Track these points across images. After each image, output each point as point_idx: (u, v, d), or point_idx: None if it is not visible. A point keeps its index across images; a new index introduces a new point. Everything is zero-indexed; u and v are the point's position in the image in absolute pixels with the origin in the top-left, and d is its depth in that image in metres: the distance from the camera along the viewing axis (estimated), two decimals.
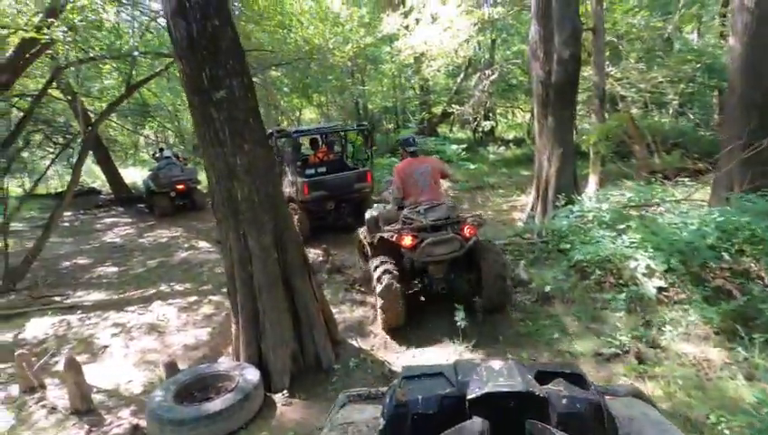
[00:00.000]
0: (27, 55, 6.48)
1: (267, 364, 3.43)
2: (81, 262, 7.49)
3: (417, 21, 9.91)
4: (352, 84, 14.91)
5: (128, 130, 15.11)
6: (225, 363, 3.52)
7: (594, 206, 4.61)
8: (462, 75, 16.27)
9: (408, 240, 3.73)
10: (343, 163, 8.02)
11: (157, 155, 12.22)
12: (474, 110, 10.50)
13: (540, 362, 1.06)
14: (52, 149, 16.33)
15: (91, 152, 14.99)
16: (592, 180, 7.06)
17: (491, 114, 17.38)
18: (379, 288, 3.79)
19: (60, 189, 17.30)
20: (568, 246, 4.29)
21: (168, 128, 16.49)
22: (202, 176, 17.01)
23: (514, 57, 12.87)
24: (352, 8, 12.47)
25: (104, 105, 14.58)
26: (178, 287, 5.82)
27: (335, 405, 1.09)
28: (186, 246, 8.02)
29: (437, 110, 18.47)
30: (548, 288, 4.16)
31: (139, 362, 3.97)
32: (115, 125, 14.47)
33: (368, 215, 4.69)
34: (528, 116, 21.11)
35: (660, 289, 3.69)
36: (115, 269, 6.91)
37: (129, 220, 11.07)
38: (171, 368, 3.34)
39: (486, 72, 9.10)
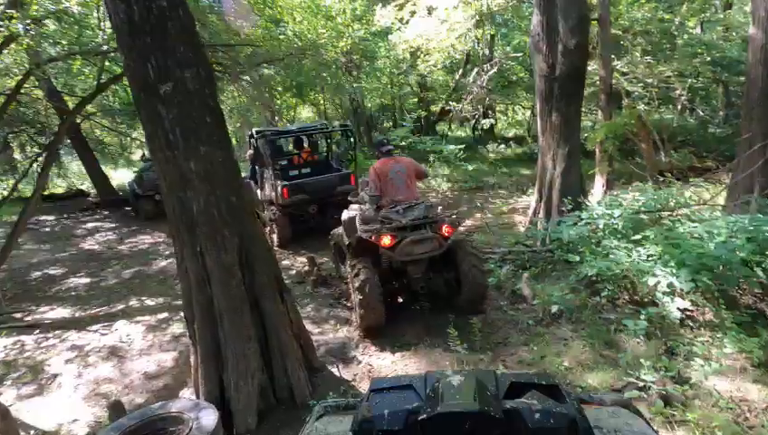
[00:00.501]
0: None
1: (230, 401, 2.95)
2: (52, 272, 7.01)
3: (413, 13, 9.42)
4: (347, 82, 14.42)
5: (111, 130, 14.58)
6: (180, 402, 3.03)
7: (605, 212, 4.12)
8: (460, 71, 15.81)
9: (387, 240, 3.71)
10: (328, 165, 7.77)
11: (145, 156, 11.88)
12: (472, 107, 10.02)
13: (514, 373, 0.99)
14: (38, 151, 15.90)
15: (77, 154, 14.55)
16: (599, 181, 6.58)
17: (490, 112, 16.91)
18: (357, 286, 3.75)
19: (49, 192, 16.86)
20: (576, 258, 3.82)
21: None
22: None
23: (514, 52, 12.42)
24: (344, 0, 11.98)
25: (90, 105, 14.18)
26: (150, 302, 5.34)
27: (311, 416, 1.07)
28: (166, 253, 7.53)
29: (436, 107, 18.00)
30: (555, 308, 3.68)
31: (89, 396, 3.50)
32: (102, 125, 13.91)
33: (344, 216, 4.62)
34: (528, 113, 20.75)
35: (684, 310, 3.21)
36: (87, 280, 6.43)
37: (112, 225, 10.59)
38: (116, 409, 2.87)
39: (485, 66, 8.59)
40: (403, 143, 7.75)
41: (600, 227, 4.13)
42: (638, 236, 3.70)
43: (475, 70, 8.52)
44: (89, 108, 14.36)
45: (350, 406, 1.04)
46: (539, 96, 6.15)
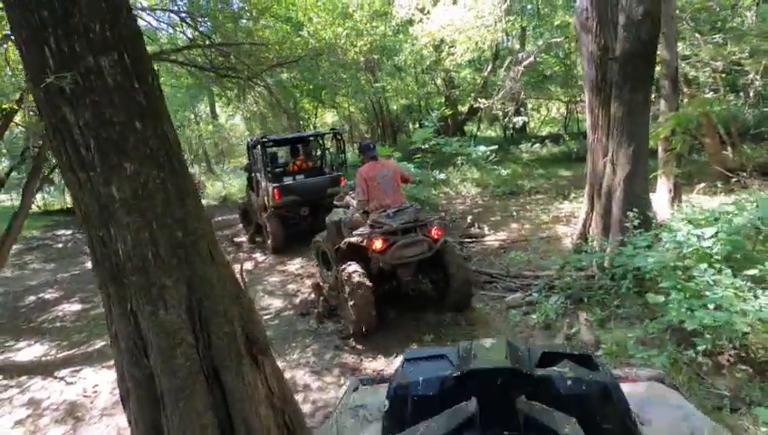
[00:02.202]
0: None
1: None
2: (47, 297, 6.50)
3: (435, 2, 8.48)
4: (367, 82, 13.62)
5: None
6: None
7: (693, 232, 3.06)
8: (489, 67, 14.70)
9: (378, 244, 3.78)
10: (321, 170, 7.91)
11: None
12: (503, 104, 8.96)
13: (547, 344, 1.07)
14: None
15: None
16: (663, 186, 5.44)
17: (522, 109, 15.72)
18: (349, 290, 3.77)
19: (69, 206, 16.89)
20: (660, 298, 2.78)
21: None
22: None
23: (546, 47, 11.22)
24: None
25: None
26: None
27: (347, 389, 1.19)
28: None
29: (463, 106, 16.92)
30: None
31: None
32: None
33: (329, 220, 4.70)
34: (563, 110, 19.34)
35: None
36: (78, 308, 5.85)
37: None
38: None
39: (520, 55, 7.52)
40: (425, 146, 6.81)
41: (687, 252, 3.07)
42: (753, 271, 2.63)
43: (507, 62, 7.47)
44: None
45: (384, 379, 1.08)
46: (588, 84, 5.10)
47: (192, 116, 21.76)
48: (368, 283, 3.79)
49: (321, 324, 4.37)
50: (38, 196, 18.17)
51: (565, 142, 15.25)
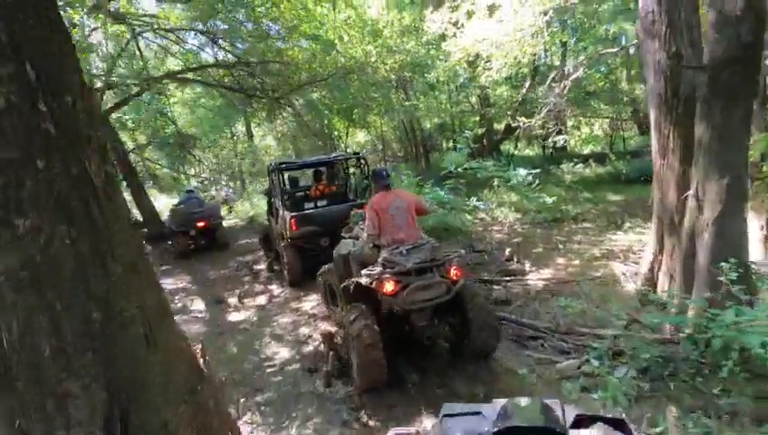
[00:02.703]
0: None
1: None
2: None
3: (470, 15, 7.84)
4: (399, 102, 13.10)
5: (151, 162, 14.35)
6: None
7: None
8: (527, 84, 13.87)
9: (389, 286, 3.34)
10: (344, 196, 7.39)
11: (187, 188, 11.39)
12: (546, 122, 8.12)
13: (580, 406, 0.88)
14: None
15: (125, 184, 14.53)
16: (753, 224, 4.43)
17: (562, 127, 14.71)
18: (354, 335, 3.36)
19: None
20: None
21: (200, 161, 15.63)
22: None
23: (590, 62, 10.26)
24: (392, 13, 10.75)
25: (141, 137, 14.15)
26: None
27: None
28: (178, 305, 6.45)
29: (499, 125, 16.10)
30: None
31: None
32: (143, 157, 13.74)
33: (336, 252, 4.25)
34: (606, 127, 18.09)
35: None
36: None
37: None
38: None
39: (566, 69, 6.69)
40: (459, 170, 6.07)
41: None
42: None
43: (551, 77, 6.69)
44: (141, 139, 14.44)
45: (418, 434, 1.03)
46: (654, 100, 4.24)
47: (229, 135, 22.03)
48: (375, 328, 3.36)
49: (329, 388, 3.66)
50: None
51: (611, 162, 14.07)
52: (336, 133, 18.99)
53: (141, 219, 14.23)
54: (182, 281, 7.94)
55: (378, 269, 3.44)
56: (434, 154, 20.79)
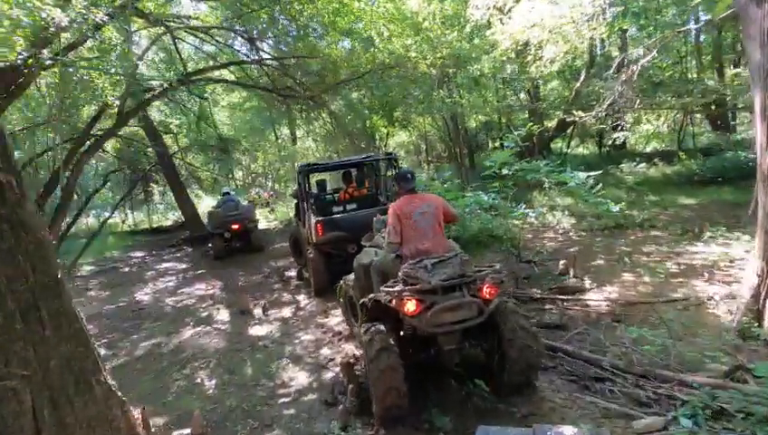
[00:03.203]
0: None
1: None
2: None
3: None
4: (440, 98, 12.38)
5: (191, 165, 14.50)
6: None
7: None
8: (583, 76, 12.69)
9: (411, 306, 2.87)
10: (376, 200, 7.02)
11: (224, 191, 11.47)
12: (607, 115, 7.13)
13: None
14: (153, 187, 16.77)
15: (168, 188, 14.81)
16: None
17: (623, 123, 13.35)
18: (371, 357, 2.95)
19: (156, 225, 17.77)
20: None
21: (239, 163, 15.68)
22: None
23: (657, 48, 8.97)
24: (432, 3, 10.08)
25: (185, 141, 14.38)
26: None
27: None
28: (203, 315, 6.18)
29: (550, 121, 14.94)
30: None
31: None
32: (183, 160, 13.90)
33: (357, 262, 3.91)
34: (671, 122, 16.31)
35: None
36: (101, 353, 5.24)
37: (183, 266, 9.92)
38: None
39: (635, 53, 5.67)
40: (505, 171, 5.33)
41: None
42: None
43: (615, 65, 5.68)
44: (184, 141, 14.68)
45: None
46: (759, 78, 3.33)
47: (273, 138, 22.22)
48: (395, 350, 2.96)
49: (346, 430, 3.09)
50: (129, 214, 19.53)
51: (681, 161, 12.60)
52: (377, 134, 18.55)
53: (182, 222, 14.52)
54: (213, 287, 7.74)
55: (398, 286, 3.02)
56: (479, 154, 19.83)
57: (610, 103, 5.74)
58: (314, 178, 7.54)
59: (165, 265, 10.32)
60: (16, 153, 9.63)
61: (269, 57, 9.12)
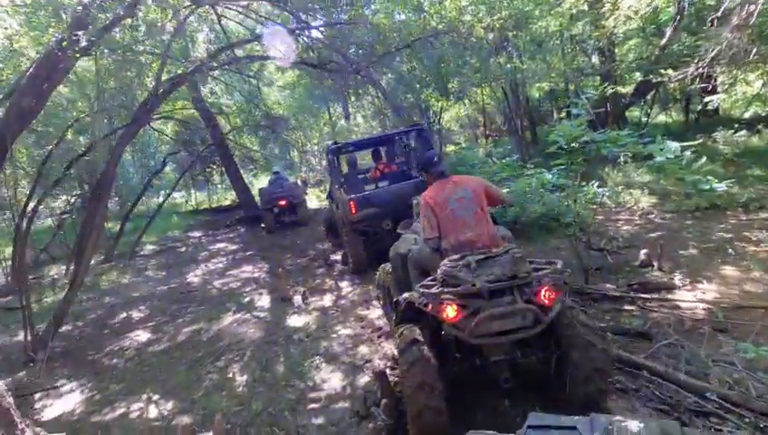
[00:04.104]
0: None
1: None
2: (134, 315, 6.20)
3: None
4: (497, 66, 11.27)
5: (243, 147, 14.60)
6: None
7: None
8: (670, 30, 10.90)
9: (451, 312, 2.42)
10: (408, 174, 6.89)
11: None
12: (703, 74, 5.86)
13: (705, 429, 0.93)
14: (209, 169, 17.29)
15: (224, 169, 15.08)
16: None
17: (715, 84, 11.42)
18: (404, 369, 2.53)
19: (216, 204, 18.41)
20: None
21: (289, 143, 15.58)
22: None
23: None
24: None
25: (237, 121, 14.50)
26: (150, 410, 3.62)
27: None
28: (245, 300, 6.04)
29: (626, 87, 13.19)
30: None
31: None
32: (236, 142, 14.00)
33: (393, 251, 3.58)
34: None
35: None
36: (145, 338, 5.27)
37: (234, 247, 10.02)
38: None
39: (725, 5, 4.36)
40: (574, 145, 4.48)
41: None
42: None
43: (724, 5, 4.42)
44: (237, 121, 14.82)
45: None
46: None
47: (327, 116, 22.03)
48: (433, 362, 2.51)
49: None
50: (193, 193, 20.43)
51: None
52: (431, 108, 17.64)
53: (238, 202, 14.81)
54: (259, 270, 7.64)
55: (436, 286, 2.58)
56: (542, 127, 18.24)
57: (714, 57, 4.60)
58: (344, 157, 7.55)
59: (218, 245, 10.52)
60: (81, 138, 10.11)
61: (314, 27, 8.64)
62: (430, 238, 2.98)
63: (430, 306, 2.55)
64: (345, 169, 7.24)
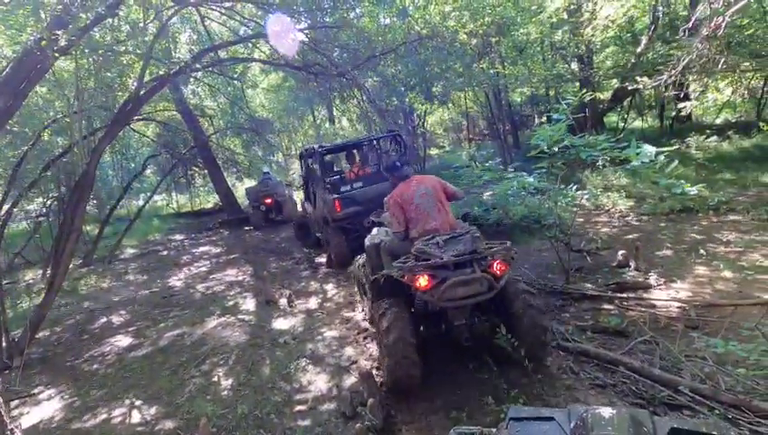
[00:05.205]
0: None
1: None
2: (115, 320, 6.08)
3: None
4: (480, 71, 11.47)
5: (225, 149, 14.47)
6: None
7: None
8: (645, 39, 11.28)
9: (423, 281, 2.95)
10: (381, 176, 7.08)
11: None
12: (677, 80, 6.09)
13: (676, 418, 1.01)
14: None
15: (207, 172, 14.90)
16: None
17: (688, 91, 11.86)
18: (384, 330, 3.07)
19: (198, 207, 18.15)
20: None
21: (273, 146, 15.50)
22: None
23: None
24: None
25: (220, 123, 14.34)
26: (134, 415, 3.57)
27: None
28: (229, 304, 5.99)
29: (604, 94, 13.56)
30: None
31: None
32: (219, 144, 13.86)
33: (367, 241, 3.98)
34: (743, 89, 14.35)
35: None
36: (127, 343, 5.17)
37: (218, 250, 9.91)
38: None
39: (697, 16, 4.57)
40: (555, 149, 4.62)
41: None
42: None
43: (693, 19, 4.63)
44: (221, 124, 14.66)
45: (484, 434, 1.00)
46: None
47: (312, 118, 21.92)
48: (408, 323, 3.10)
49: None
50: (174, 196, 20.08)
51: (761, 133, 11.10)
52: (415, 112, 17.77)
53: (221, 205, 14.64)
54: (243, 273, 7.58)
55: (411, 262, 3.07)
56: (523, 131, 18.58)
57: (686, 65, 4.81)
58: (320, 161, 7.85)
59: (201, 248, 10.38)
60: (58, 139, 9.86)
61: (298, 29, 8.64)
62: (397, 232, 3.53)
63: (406, 277, 2.99)
64: (319, 172, 7.50)
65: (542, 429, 0.83)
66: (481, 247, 3.06)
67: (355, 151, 7.64)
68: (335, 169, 7.77)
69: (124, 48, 5.85)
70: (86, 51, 5.02)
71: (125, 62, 6.06)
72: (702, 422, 0.84)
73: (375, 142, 7.83)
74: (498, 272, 2.99)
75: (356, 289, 4.97)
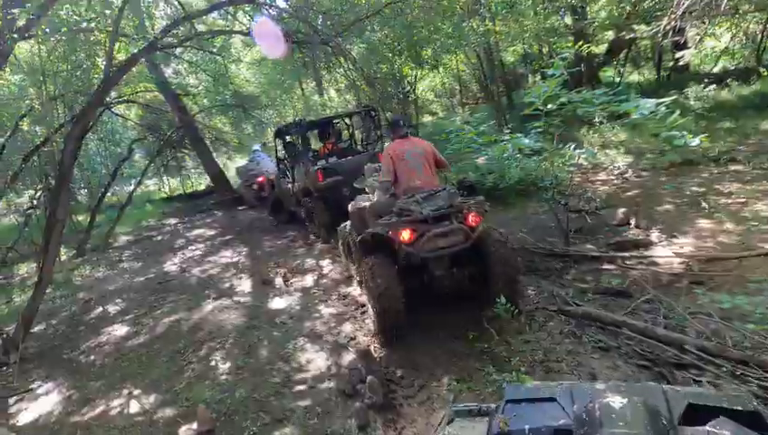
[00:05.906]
0: None
1: None
2: (110, 309, 5.99)
3: None
4: (471, 30, 11.00)
5: (208, 128, 14.06)
6: None
7: None
8: None
9: (406, 234, 3.28)
10: (354, 150, 7.80)
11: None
12: (675, 27, 5.78)
13: (692, 391, 0.73)
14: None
15: (195, 153, 14.57)
16: None
17: (685, 38, 11.45)
18: (373, 285, 3.35)
19: (190, 190, 17.87)
20: None
21: (261, 121, 15.08)
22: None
23: None
24: None
25: (204, 102, 13.90)
26: (129, 408, 3.52)
27: (443, 420, 1.13)
28: (225, 286, 5.90)
29: (598, 47, 13.10)
30: None
31: None
32: (204, 125, 13.47)
33: (352, 207, 4.36)
34: (742, 34, 13.88)
35: None
36: (123, 332, 5.10)
37: (212, 232, 9.76)
38: None
39: None
40: (550, 106, 4.40)
41: None
42: None
43: None
44: (205, 102, 14.21)
45: (482, 412, 0.95)
46: None
47: (300, 91, 21.30)
48: (393, 274, 3.38)
49: (364, 430, 2.63)
50: (166, 180, 19.76)
51: (762, 79, 10.76)
52: (407, 78, 17.25)
53: (212, 186, 14.39)
54: (238, 254, 7.47)
55: (394, 219, 3.38)
56: (518, 91, 18.10)
57: (686, 9, 4.53)
58: (291, 137, 8.01)
59: (195, 231, 10.22)
60: (38, 129, 9.53)
61: None
62: (387, 180, 3.73)
63: (391, 232, 3.29)
64: (300, 145, 7.65)
65: (542, 411, 0.77)
66: (457, 202, 3.38)
67: (326, 128, 7.86)
68: (310, 145, 7.92)
69: (94, 26, 5.49)
70: (47, 31, 4.69)
71: (93, 40, 5.71)
72: (720, 395, 0.77)
73: (347, 118, 8.30)
74: (473, 223, 3.30)
75: (343, 256, 5.26)
